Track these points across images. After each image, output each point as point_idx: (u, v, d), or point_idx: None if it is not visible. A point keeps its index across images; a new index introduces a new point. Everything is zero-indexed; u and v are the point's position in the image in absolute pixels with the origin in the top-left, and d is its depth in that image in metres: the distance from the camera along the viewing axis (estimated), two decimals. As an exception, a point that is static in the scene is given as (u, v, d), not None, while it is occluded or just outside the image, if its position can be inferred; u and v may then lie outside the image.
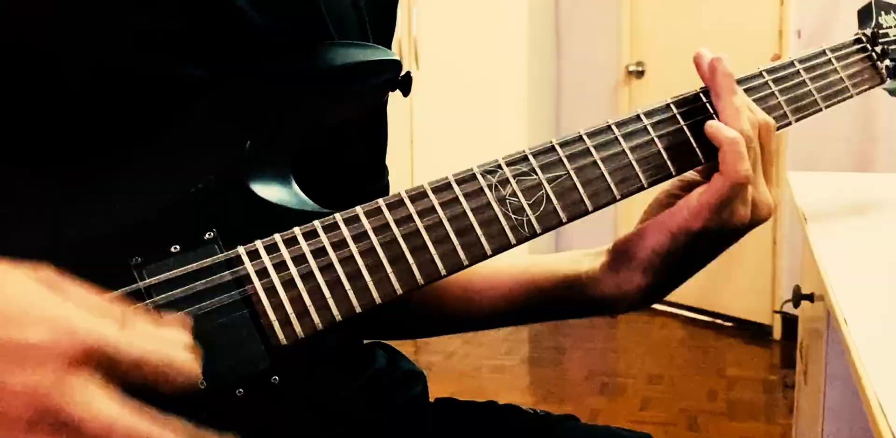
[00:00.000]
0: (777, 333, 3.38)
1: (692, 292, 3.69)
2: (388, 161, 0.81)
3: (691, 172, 0.69)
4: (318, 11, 0.65)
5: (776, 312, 3.34)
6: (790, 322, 3.10)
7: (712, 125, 0.66)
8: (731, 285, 3.56)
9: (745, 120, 0.66)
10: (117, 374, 0.45)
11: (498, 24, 3.74)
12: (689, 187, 0.68)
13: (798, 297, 1.34)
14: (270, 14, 0.63)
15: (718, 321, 3.60)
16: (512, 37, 3.75)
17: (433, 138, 3.80)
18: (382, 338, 0.86)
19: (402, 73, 0.65)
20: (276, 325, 0.55)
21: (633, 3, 3.87)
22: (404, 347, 0.85)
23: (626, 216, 3.83)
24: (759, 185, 0.67)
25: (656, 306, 3.78)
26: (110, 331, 0.45)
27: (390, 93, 0.69)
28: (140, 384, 0.45)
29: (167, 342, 0.47)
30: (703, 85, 0.69)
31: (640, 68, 3.87)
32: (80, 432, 0.43)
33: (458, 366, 3.18)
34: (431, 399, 0.86)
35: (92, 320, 0.45)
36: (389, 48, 0.77)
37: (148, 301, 0.53)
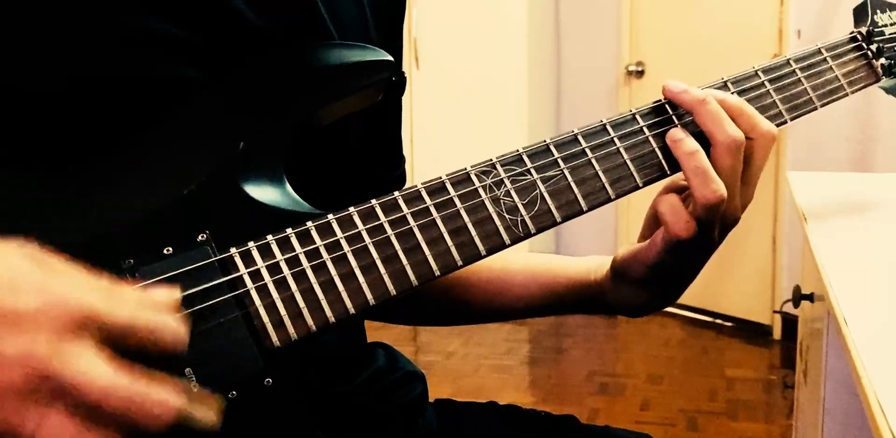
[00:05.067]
0: (777, 333, 3.38)
1: (692, 292, 3.65)
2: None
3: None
4: (317, 10, 0.65)
5: (776, 312, 3.34)
6: (790, 322, 3.10)
7: (671, 137, 0.65)
8: (731, 285, 3.56)
9: (726, 127, 0.65)
10: (109, 339, 0.45)
11: (498, 24, 3.74)
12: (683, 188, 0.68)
13: (798, 297, 1.34)
14: (268, 14, 0.62)
15: (718, 321, 3.59)
16: (512, 37, 3.75)
17: (433, 138, 3.80)
18: (387, 320, 0.86)
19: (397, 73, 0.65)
20: (270, 327, 0.55)
21: (633, 3, 3.87)
22: (404, 347, 0.85)
23: (625, 217, 3.83)
24: (735, 196, 0.66)
25: (656, 306, 3.78)
26: (99, 298, 0.45)
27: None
28: (132, 348, 0.45)
29: (154, 307, 0.47)
30: (701, 85, 0.69)
31: (640, 68, 3.87)
32: (77, 398, 0.43)
33: (458, 366, 3.17)
34: (431, 400, 0.86)
35: (81, 288, 0.45)
36: (397, 47, 0.76)
37: None
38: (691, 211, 0.64)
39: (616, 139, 0.65)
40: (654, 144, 0.66)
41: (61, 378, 0.42)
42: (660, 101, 0.67)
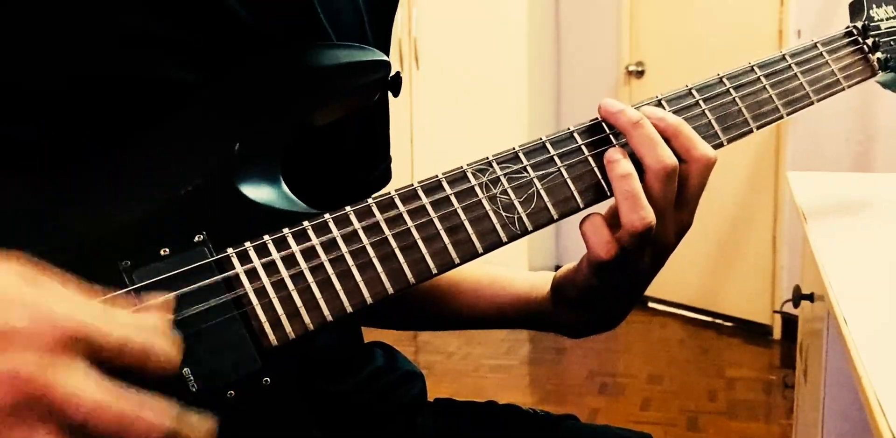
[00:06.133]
0: (777, 333, 3.38)
1: (692, 292, 3.69)
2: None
3: None
4: (314, 12, 0.65)
5: (776, 312, 3.34)
6: (790, 322, 3.10)
7: (606, 158, 0.63)
8: (731, 285, 3.56)
9: (658, 152, 0.62)
10: (99, 359, 0.44)
11: (498, 24, 3.74)
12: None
13: (798, 297, 1.34)
14: (264, 15, 0.62)
15: (718, 321, 3.59)
16: (512, 37, 3.75)
17: (433, 138, 3.80)
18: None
19: (392, 73, 0.65)
20: (267, 326, 0.55)
21: (633, 3, 3.87)
22: (404, 347, 0.85)
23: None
24: (667, 222, 0.64)
25: (656, 306, 3.78)
26: (90, 317, 0.44)
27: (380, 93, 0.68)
28: (122, 369, 0.45)
29: (146, 327, 0.46)
30: (697, 82, 0.69)
31: (640, 68, 3.87)
32: (65, 417, 0.42)
33: (458, 366, 3.17)
34: (430, 399, 0.86)
35: (72, 307, 0.44)
36: (388, 46, 0.76)
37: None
38: (617, 234, 0.62)
39: (612, 137, 0.65)
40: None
41: (51, 397, 0.42)
42: (657, 97, 0.67)
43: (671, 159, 0.62)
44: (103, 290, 0.50)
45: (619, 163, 0.62)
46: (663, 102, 0.67)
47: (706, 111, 0.68)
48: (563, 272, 0.71)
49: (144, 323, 0.47)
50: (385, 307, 0.69)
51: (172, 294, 0.53)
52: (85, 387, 0.42)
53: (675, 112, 0.67)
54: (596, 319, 0.73)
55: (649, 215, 0.61)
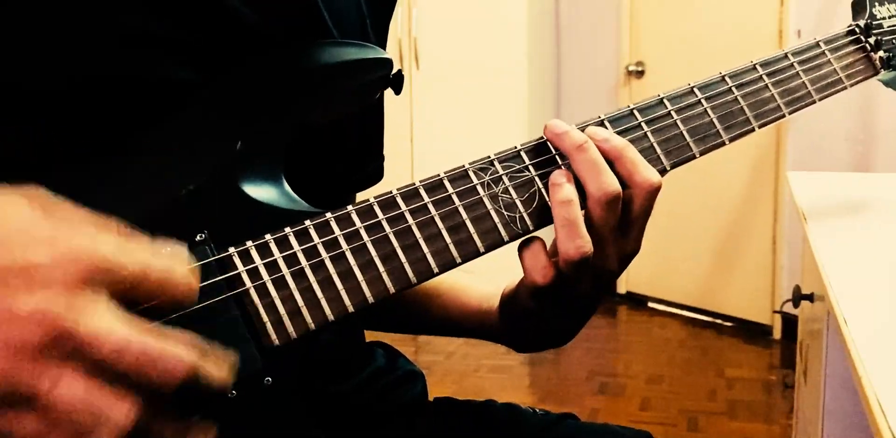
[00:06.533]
0: (777, 333, 3.38)
1: (692, 292, 3.69)
2: (387, 162, 0.81)
3: None
4: (317, 11, 0.65)
5: (776, 312, 3.34)
6: (790, 322, 3.10)
7: (550, 181, 0.61)
8: (731, 285, 3.56)
9: (600, 178, 0.60)
10: (121, 290, 0.44)
11: (498, 24, 3.73)
12: None
13: (798, 297, 1.34)
14: (267, 15, 0.62)
15: (718, 321, 3.59)
16: (512, 37, 3.74)
17: (433, 139, 3.80)
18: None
19: (394, 71, 0.65)
20: (269, 325, 0.55)
21: (633, 3, 3.87)
22: (404, 347, 0.85)
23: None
24: (607, 249, 0.62)
25: (656, 306, 3.78)
26: (109, 248, 0.44)
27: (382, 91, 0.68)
28: (143, 298, 0.45)
29: (164, 255, 0.46)
30: (699, 81, 0.69)
31: (640, 68, 3.87)
32: (92, 354, 0.42)
33: (458, 366, 3.17)
34: (430, 399, 0.86)
35: (90, 238, 0.44)
36: (385, 46, 0.76)
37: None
38: (554, 259, 0.61)
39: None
40: (653, 139, 0.65)
41: (76, 335, 0.41)
42: (659, 95, 0.67)
43: (613, 187, 0.60)
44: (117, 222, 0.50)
45: (561, 187, 0.60)
46: (606, 123, 0.65)
47: (678, 121, 0.67)
48: (509, 289, 0.70)
49: (162, 251, 0.46)
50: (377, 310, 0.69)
51: None
52: (110, 324, 0.42)
53: (649, 122, 0.66)
54: (540, 338, 0.72)
55: (586, 245, 0.59)
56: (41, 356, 0.41)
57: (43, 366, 0.41)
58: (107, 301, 0.43)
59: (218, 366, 0.45)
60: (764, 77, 0.72)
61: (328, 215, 0.57)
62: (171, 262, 0.46)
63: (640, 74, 3.87)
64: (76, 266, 0.42)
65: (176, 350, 0.43)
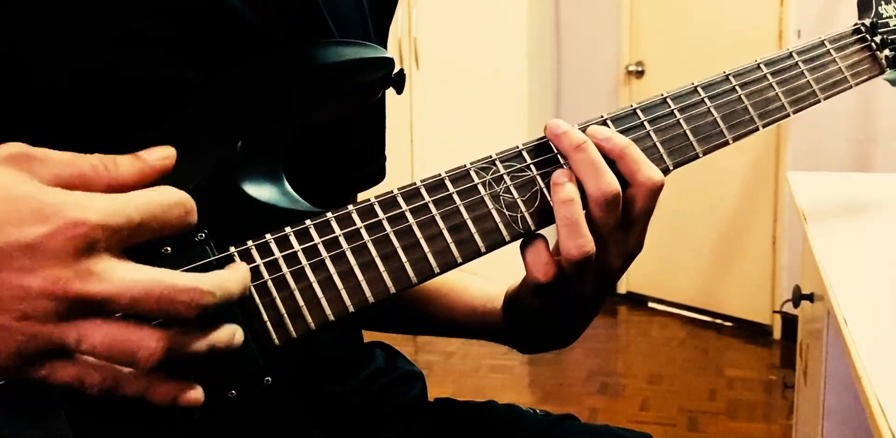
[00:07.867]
0: (777, 333, 3.38)
1: (692, 292, 3.69)
2: (388, 162, 0.81)
3: None
4: (318, 10, 0.65)
5: (776, 312, 3.34)
6: (790, 322, 3.10)
7: (551, 180, 0.61)
8: (731, 285, 3.56)
9: (600, 179, 0.60)
10: (123, 242, 0.46)
11: (498, 24, 3.73)
12: None
13: (798, 297, 1.34)
14: (268, 15, 0.62)
15: (718, 321, 3.59)
16: (512, 37, 3.74)
17: (433, 139, 3.80)
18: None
19: (395, 70, 0.65)
20: (269, 325, 0.55)
21: (633, 3, 3.87)
22: (404, 347, 0.85)
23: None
24: (610, 247, 0.62)
25: (656, 306, 3.78)
26: (98, 213, 0.45)
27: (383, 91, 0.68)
28: (149, 238, 0.47)
29: (150, 193, 0.48)
30: (703, 80, 0.69)
31: (640, 68, 3.87)
32: (114, 307, 0.44)
33: (458, 366, 3.17)
34: (430, 399, 0.86)
35: (79, 199, 0.45)
36: (385, 45, 0.76)
37: None
38: (556, 258, 0.60)
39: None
40: (655, 139, 0.65)
41: (93, 298, 0.44)
42: (663, 95, 0.67)
43: (612, 186, 0.60)
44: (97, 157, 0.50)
45: (562, 186, 0.60)
46: (609, 122, 0.64)
47: (681, 121, 0.67)
48: (512, 288, 0.70)
49: (149, 194, 0.48)
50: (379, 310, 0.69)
51: None
52: (122, 275, 0.44)
53: (651, 122, 0.66)
54: (544, 338, 0.72)
55: (588, 244, 0.59)
56: (63, 321, 0.44)
57: (66, 327, 0.44)
58: (110, 258, 0.45)
59: (234, 281, 0.49)
60: (768, 76, 0.72)
61: (329, 214, 0.57)
62: (158, 196, 0.48)
63: (640, 74, 3.87)
64: (72, 232, 0.44)
65: (189, 281, 0.46)
